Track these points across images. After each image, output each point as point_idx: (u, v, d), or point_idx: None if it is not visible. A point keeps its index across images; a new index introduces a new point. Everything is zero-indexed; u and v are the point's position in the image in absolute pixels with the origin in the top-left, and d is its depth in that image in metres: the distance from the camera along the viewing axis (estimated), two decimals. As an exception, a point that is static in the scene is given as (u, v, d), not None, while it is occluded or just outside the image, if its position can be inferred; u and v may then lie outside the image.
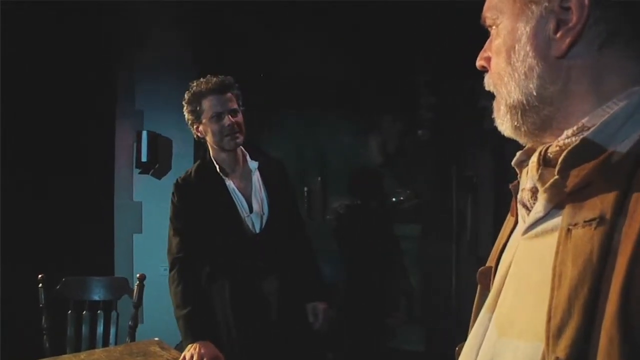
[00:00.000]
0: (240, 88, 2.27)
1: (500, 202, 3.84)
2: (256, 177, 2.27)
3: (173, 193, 2.25)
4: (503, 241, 0.86)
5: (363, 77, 3.84)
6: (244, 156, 2.30)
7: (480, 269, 0.92)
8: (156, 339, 2.26)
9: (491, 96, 0.91)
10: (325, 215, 4.00)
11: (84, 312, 2.67)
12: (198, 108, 2.17)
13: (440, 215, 3.96)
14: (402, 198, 3.96)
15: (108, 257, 3.82)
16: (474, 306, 0.92)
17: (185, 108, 2.23)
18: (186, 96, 2.22)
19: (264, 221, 2.23)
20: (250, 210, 2.23)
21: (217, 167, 2.23)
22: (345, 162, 4.00)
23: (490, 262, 0.90)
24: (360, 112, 3.93)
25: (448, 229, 3.94)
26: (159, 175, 3.85)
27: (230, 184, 2.23)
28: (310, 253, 2.48)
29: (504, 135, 0.84)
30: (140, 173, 3.82)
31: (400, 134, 3.97)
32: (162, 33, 3.82)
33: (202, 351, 1.99)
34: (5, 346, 2.97)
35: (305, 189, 3.96)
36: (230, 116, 2.16)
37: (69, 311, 2.66)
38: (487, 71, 0.85)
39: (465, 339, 0.86)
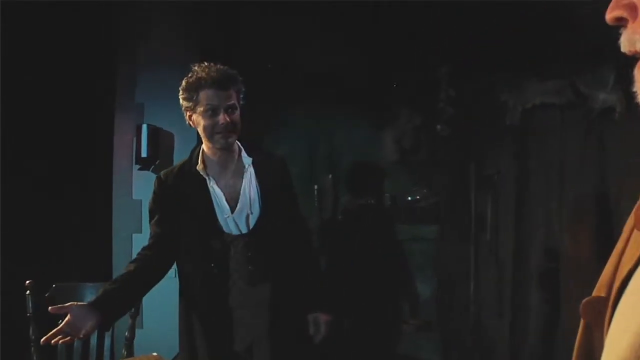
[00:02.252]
0: (244, 82, 2.11)
1: (522, 202, 3.71)
2: (249, 173, 2.12)
3: (153, 188, 2.15)
4: (630, 265, 0.62)
5: (377, 69, 3.69)
6: (239, 151, 2.15)
7: (585, 300, 0.69)
8: (154, 354, 2.05)
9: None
10: (336, 215, 3.84)
11: None
12: (194, 97, 2.03)
13: (459, 216, 3.80)
14: (418, 197, 3.80)
15: (106, 259, 3.67)
16: (576, 347, 0.73)
17: (181, 93, 2.09)
18: (184, 83, 2.07)
19: (252, 221, 2.06)
20: (233, 211, 2.06)
21: (200, 163, 2.08)
22: (357, 158, 3.86)
23: (600, 290, 0.68)
24: (374, 105, 3.77)
25: (466, 229, 3.78)
26: (160, 171, 3.55)
27: (212, 182, 2.07)
28: (311, 257, 2.29)
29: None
30: (140, 169, 3.67)
31: (416, 129, 3.81)
32: (164, 21, 3.68)
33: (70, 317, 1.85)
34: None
35: (316, 187, 3.81)
36: (226, 113, 2.01)
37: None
38: (623, 26, 0.60)
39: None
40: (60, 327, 1.90)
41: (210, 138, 2.03)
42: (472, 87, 3.69)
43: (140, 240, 3.66)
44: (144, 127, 3.54)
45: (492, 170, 3.72)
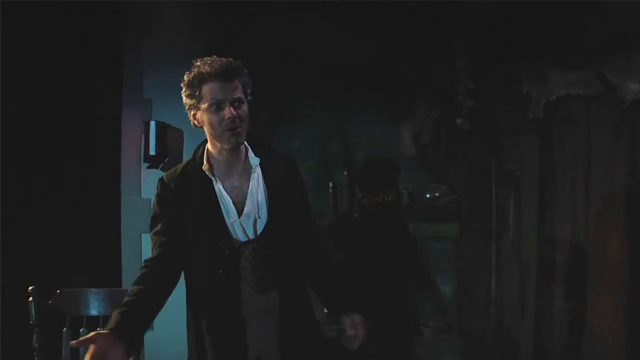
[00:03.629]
0: (249, 75, 1.95)
1: (546, 199, 3.61)
2: (257, 175, 1.96)
3: (156, 192, 1.99)
4: None
5: (394, 60, 3.58)
6: (245, 151, 1.99)
7: None
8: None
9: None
10: (352, 213, 3.73)
11: (82, 330, 2.35)
12: (197, 93, 1.87)
13: (480, 213, 3.69)
14: (437, 194, 3.68)
15: (114, 260, 3.57)
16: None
17: (183, 90, 1.93)
18: (185, 77, 1.91)
19: (260, 225, 1.93)
20: (240, 214, 1.92)
21: (206, 164, 1.94)
22: (374, 154, 3.76)
23: None
24: (391, 98, 3.66)
25: (488, 227, 3.67)
26: (169, 169, 3.46)
27: (218, 184, 1.93)
28: (327, 261, 2.16)
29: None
30: (148, 167, 3.56)
31: (435, 123, 3.69)
32: (172, 14, 3.58)
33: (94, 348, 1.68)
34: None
35: (331, 184, 3.70)
36: (232, 107, 1.86)
37: (64, 328, 2.36)
38: None
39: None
40: None
41: (219, 137, 1.88)
42: (492, 78, 3.58)
43: (150, 240, 3.58)
44: (152, 123, 3.44)
45: (514, 165, 3.62)
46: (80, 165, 3.42)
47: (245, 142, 1.98)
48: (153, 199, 2.06)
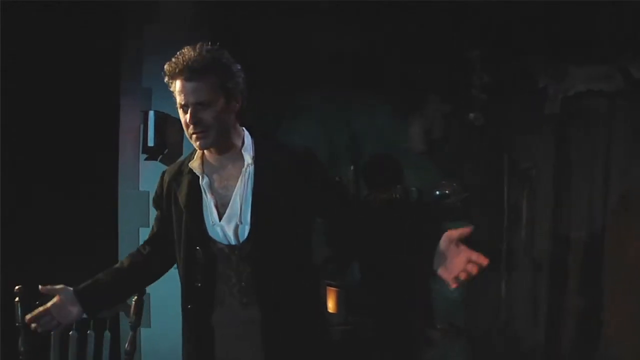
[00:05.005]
0: (237, 68, 1.76)
1: (561, 198, 3.50)
2: (247, 174, 1.78)
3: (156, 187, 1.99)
4: None
5: (404, 51, 3.46)
6: (240, 147, 1.81)
7: None
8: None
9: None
10: None
11: (71, 333, 2.29)
12: (172, 87, 1.75)
13: (491, 212, 3.58)
14: (447, 191, 3.57)
15: (111, 255, 3.44)
16: None
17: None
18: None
19: (243, 232, 1.77)
20: (221, 218, 1.78)
21: (197, 159, 1.83)
22: (381, 149, 3.67)
23: None
24: (400, 91, 3.55)
25: (499, 227, 3.57)
26: (168, 161, 3.45)
27: (204, 180, 1.80)
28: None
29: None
30: (146, 159, 3.50)
31: (446, 118, 3.60)
32: (174, 1, 3.51)
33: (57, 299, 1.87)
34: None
35: (336, 179, 3.50)
36: (191, 112, 1.70)
37: (53, 331, 2.23)
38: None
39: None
40: (47, 307, 1.86)
41: (189, 136, 1.77)
42: (507, 71, 3.47)
43: (148, 234, 3.53)
44: (151, 113, 3.37)
45: (528, 163, 3.52)
46: (76, 157, 3.34)
47: (247, 132, 1.83)
48: (152, 192, 2.03)
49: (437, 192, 3.57)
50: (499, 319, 3.51)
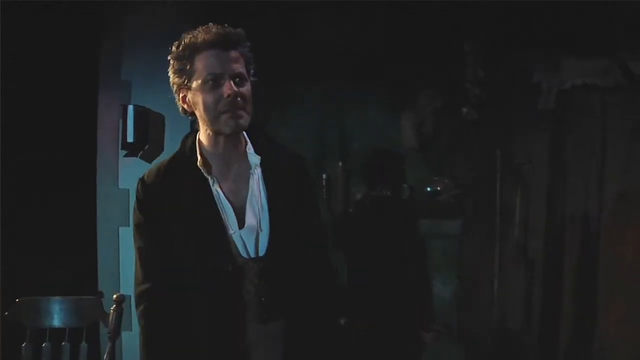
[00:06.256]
0: (252, 50, 1.65)
1: (556, 195, 3.44)
2: (256, 176, 1.66)
3: (136, 195, 1.68)
4: None
5: (396, 44, 3.37)
6: (244, 146, 1.68)
7: None
8: None
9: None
10: (346, 209, 3.55)
11: (44, 344, 2.19)
12: (189, 67, 1.57)
13: (484, 209, 3.51)
14: (439, 188, 3.51)
15: (89, 255, 3.42)
16: None
17: (171, 67, 1.63)
18: (173, 49, 1.61)
19: (263, 240, 1.63)
20: (241, 225, 1.62)
21: (200, 159, 1.64)
22: (371, 144, 3.56)
23: None
24: (392, 84, 3.46)
25: (492, 225, 3.50)
26: (148, 157, 3.42)
27: (215, 186, 1.63)
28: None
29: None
30: (126, 155, 3.41)
31: (438, 113, 3.51)
32: None
33: None
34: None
35: (324, 176, 3.51)
36: (232, 83, 1.56)
37: (24, 343, 2.18)
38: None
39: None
40: None
41: (214, 120, 1.57)
42: (501, 65, 3.39)
43: (128, 234, 3.45)
44: (131, 108, 3.28)
45: (522, 159, 3.45)
46: (52, 153, 3.23)
47: (245, 134, 1.69)
48: (132, 190, 1.80)
49: (429, 189, 3.51)
50: (492, 319, 3.45)
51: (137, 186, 1.68)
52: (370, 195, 3.52)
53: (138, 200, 1.67)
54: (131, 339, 3.40)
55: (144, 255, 1.65)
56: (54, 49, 3.15)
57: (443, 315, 3.51)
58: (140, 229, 1.66)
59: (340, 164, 3.54)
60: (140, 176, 1.71)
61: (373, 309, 3.35)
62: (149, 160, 3.40)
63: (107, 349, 2.15)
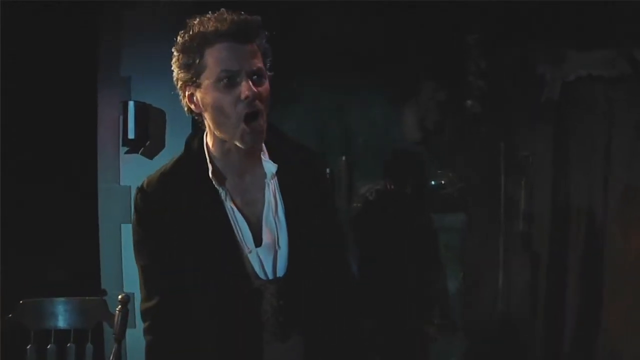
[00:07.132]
0: (269, 41, 1.45)
1: (560, 189, 3.43)
2: (272, 187, 1.47)
3: (135, 207, 1.48)
4: None
5: (398, 36, 3.35)
6: (259, 152, 1.47)
7: None
8: None
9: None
10: (350, 203, 3.55)
11: (49, 346, 2.15)
12: (197, 61, 1.35)
13: (488, 203, 3.51)
14: (442, 182, 3.53)
15: (91, 253, 3.41)
16: None
17: (175, 59, 1.40)
18: (179, 39, 1.38)
19: (281, 258, 1.46)
20: (258, 242, 1.44)
21: (210, 167, 1.44)
22: (375, 138, 3.56)
23: None
24: (394, 77, 3.43)
25: (496, 218, 3.49)
26: (150, 154, 3.42)
27: (228, 199, 1.44)
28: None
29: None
30: (127, 152, 3.41)
31: (441, 106, 3.51)
32: None
33: None
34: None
35: (327, 171, 3.41)
36: (250, 81, 1.35)
37: (29, 345, 2.14)
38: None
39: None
40: None
41: (229, 129, 1.37)
42: (505, 57, 3.39)
43: (130, 230, 3.43)
44: (131, 104, 3.27)
45: (526, 152, 3.44)
46: (53, 151, 3.20)
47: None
48: (137, 184, 1.55)
49: (433, 183, 3.52)
50: (496, 312, 3.45)
51: (136, 196, 1.49)
52: (374, 190, 3.51)
53: (137, 212, 1.48)
54: (135, 337, 3.41)
55: (147, 274, 1.49)
56: (53, 47, 3.13)
57: (448, 309, 3.51)
58: (140, 246, 1.48)
59: (343, 158, 3.53)
60: (139, 185, 1.50)
61: (378, 303, 3.35)
62: (150, 157, 3.40)
63: (113, 350, 2.13)
